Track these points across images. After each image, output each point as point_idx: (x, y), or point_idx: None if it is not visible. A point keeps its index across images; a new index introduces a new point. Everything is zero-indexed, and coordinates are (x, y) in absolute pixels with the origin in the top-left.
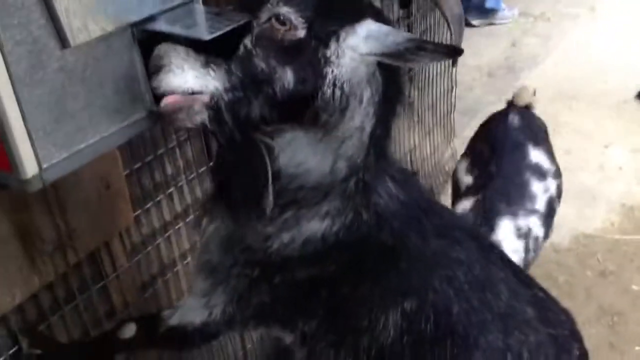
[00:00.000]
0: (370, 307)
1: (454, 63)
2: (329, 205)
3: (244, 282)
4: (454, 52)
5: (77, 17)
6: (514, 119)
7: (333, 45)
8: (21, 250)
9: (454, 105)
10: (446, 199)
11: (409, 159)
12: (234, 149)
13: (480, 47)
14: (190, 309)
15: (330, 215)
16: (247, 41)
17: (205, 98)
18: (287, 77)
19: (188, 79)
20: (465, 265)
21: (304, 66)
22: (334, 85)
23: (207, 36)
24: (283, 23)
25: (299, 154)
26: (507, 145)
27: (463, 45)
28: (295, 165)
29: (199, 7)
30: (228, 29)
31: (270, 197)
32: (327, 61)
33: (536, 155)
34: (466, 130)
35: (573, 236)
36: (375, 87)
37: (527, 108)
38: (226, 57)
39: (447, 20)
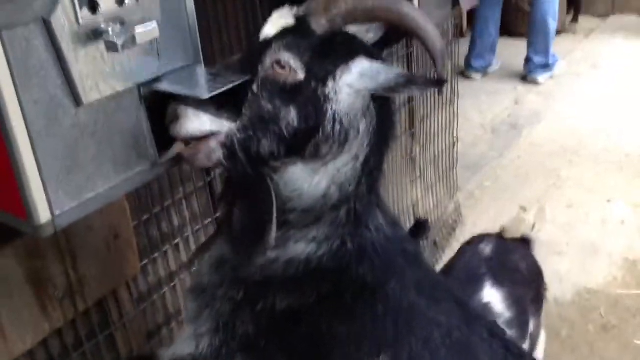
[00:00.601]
0: (347, 353)
1: (440, 92)
2: (318, 231)
3: (229, 306)
4: (439, 83)
5: (89, 78)
6: (486, 248)
7: (330, 83)
8: (33, 296)
9: (457, 160)
10: (451, 254)
11: (412, 212)
12: (244, 184)
13: (484, 104)
14: (181, 340)
15: (317, 240)
16: (254, 86)
17: (221, 137)
18: (291, 115)
19: (205, 121)
20: (444, 327)
21: (306, 105)
22: (334, 120)
23: (205, 95)
24: (284, 67)
25: (296, 181)
26: (461, 273)
27: (468, 104)
28: (291, 190)
29: (200, 69)
30: (225, 88)
31: (274, 231)
32: (327, 98)
33: (490, 294)
34: (470, 185)
35: (576, 290)
36: (370, 120)
37: (525, 241)
38: (236, 104)
39: (430, 54)
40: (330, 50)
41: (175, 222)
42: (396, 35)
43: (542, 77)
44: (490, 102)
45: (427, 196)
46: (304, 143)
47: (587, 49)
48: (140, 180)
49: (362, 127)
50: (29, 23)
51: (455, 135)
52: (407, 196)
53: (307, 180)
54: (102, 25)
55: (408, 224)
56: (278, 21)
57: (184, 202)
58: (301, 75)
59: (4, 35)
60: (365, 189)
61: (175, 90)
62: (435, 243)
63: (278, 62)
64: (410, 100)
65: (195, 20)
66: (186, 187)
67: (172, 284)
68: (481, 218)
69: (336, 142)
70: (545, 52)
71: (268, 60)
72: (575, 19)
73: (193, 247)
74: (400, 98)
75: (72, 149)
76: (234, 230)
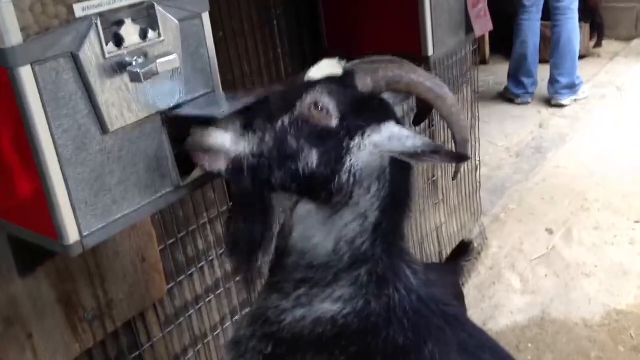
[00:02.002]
0: None
1: (456, 173)
2: (341, 290)
3: (258, 359)
4: (461, 159)
5: (115, 107)
6: None
7: (358, 138)
8: (64, 318)
9: (480, 184)
10: (476, 276)
11: (435, 236)
12: (246, 200)
13: (509, 128)
14: None
15: (342, 300)
16: (286, 119)
17: (231, 155)
18: (312, 158)
19: (227, 139)
20: None
21: (329, 151)
22: (349, 172)
23: (221, 114)
24: (321, 110)
25: (310, 229)
26: None
27: (493, 128)
28: (306, 240)
29: (219, 93)
30: (239, 107)
31: (270, 254)
32: (349, 151)
33: None
34: (495, 208)
35: (605, 312)
36: (383, 184)
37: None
38: (264, 125)
39: (455, 142)
40: (366, 108)
41: (200, 245)
42: (423, 115)
43: (566, 100)
44: (515, 126)
45: (450, 220)
46: (319, 188)
47: (612, 72)
48: (164, 202)
49: (373, 187)
50: (59, 58)
51: (477, 158)
52: (430, 220)
53: (319, 230)
54: (127, 58)
55: (432, 247)
56: (326, 68)
57: (208, 226)
58: (334, 122)
59: (36, 69)
60: (382, 252)
61: (194, 113)
62: (460, 268)
63: (317, 104)
64: (430, 124)
65: (215, 53)
66: (210, 212)
67: (198, 307)
68: (506, 241)
69: (347, 194)
70: (572, 72)
71: (308, 99)
72: (598, 44)
73: (218, 270)
74: (421, 127)
75: (99, 173)
76: (229, 242)
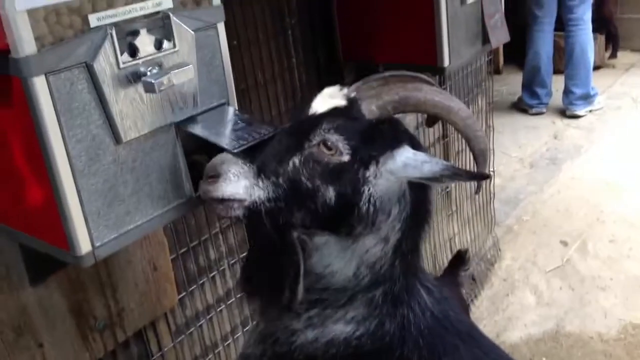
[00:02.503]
0: None
1: (478, 188)
2: (355, 311)
3: None
4: (482, 178)
5: (129, 117)
6: None
7: (372, 167)
8: (75, 327)
9: (494, 195)
10: (489, 288)
11: (448, 247)
12: (267, 243)
13: (523, 139)
14: None
15: (355, 320)
16: (297, 159)
17: (246, 203)
18: (329, 194)
19: (240, 188)
20: None
21: (345, 185)
22: (369, 202)
23: (235, 149)
24: (330, 148)
25: (328, 257)
26: None
27: (507, 138)
28: (323, 267)
29: (232, 112)
30: (254, 142)
31: (300, 295)
32: (366, 181)
33: None
34: (508, 219)
35: (621, 326)
36: (404, 206)
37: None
38: (275, 169)
39: (474, 155)
40: (376, 136)
41: (212, 255)
42: (434, 119)
43: (582, 111)
44: (529, 136)
45: (464, 231)
46: (339, 221)
47: (627, 83)
48: (177, 213)
49: (394, 211)
50: (73, 68)
51: (492, 169)
52: (443, 231)
53: (338, 257)
54: (141, 69)
55: (445, 259)
56: (329, 100)
57: (220, 236)
58: (346, 158)
59: (50, 79)
60: (400, 272)
61: (207, 137)
62: (473, 278)
63: (325, 143)
64: (444, 135)
65: (229, 64)
66: (222, 221)
67: (209, 317)
68: (520, 253)
69: (368, 223)
70: (586, 83)
71: (317, 139)
72: (613, 55)
73: (230, 280)
74: (434, 137)
75: (111, 184)
76: (259, 290)
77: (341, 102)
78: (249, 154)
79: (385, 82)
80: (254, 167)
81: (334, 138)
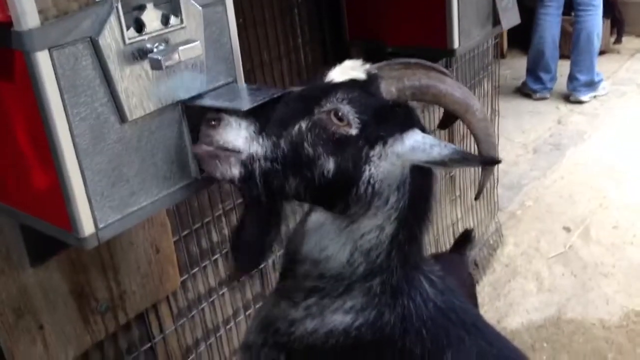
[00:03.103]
0: None
1: (479, 194)
2: (353, 301)
3: None
4: (492, 162)
5: (134, 95)
6: None
7: (378, 147)
8: (76, 310)
9: (497, 180)
10: (491, 273)
11: (451, 232)
12: (258, 210)
13: (526, 124)
14: None
15: (354, 310)
16: (304, 123)
17: (242, 156)
18: (328, 166)
19: (239, 138)
20: None
21: (347, 160)
22: (368, 182)
23: (245, 107)
24: (340, 119)
25: (324, 239)
26: None
27: (510, 123)
28: (319, 251)
29: (241, 85)
30: (265, 100)
31: (269, 251)
32: (368, 160)
33: None
34: (511, 205)
35: (623, 313)
36: (402, 194)
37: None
38: (279, 129)
39: (479, 149)
40: (389, 117)
41: (215, 238)
42: (449, 120)
43: (586, 97)
44: (533, 121)
45: (467, 216)
46: (335, 198)
47: (632, 69)
48: (182, 195)
49: (392, 199)
50: (78, 42)
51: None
52: (447, 216)
53: (334, 240)
54: (148, 45)
55: (448, 243)
56: (349, 71)
57: (223, 218)
58: (354, 131)
59: (53, 54)
60: (397, 263)
61: (214, 104)
62: (475, 263)
63: (337, 112)
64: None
65: (237, 41)
66: (225, 203)
67: (211, 300)
68: (522, 239)
69: (365, 205)
70: (591, 69)
71: (328, 106)
72: (618, 40)
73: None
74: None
75: (116, 164)
76: (238, 240)
77: (361, 75)
78: (254, 112)
79: (409, 66)
80: (257, 123)
81: (346, 109)
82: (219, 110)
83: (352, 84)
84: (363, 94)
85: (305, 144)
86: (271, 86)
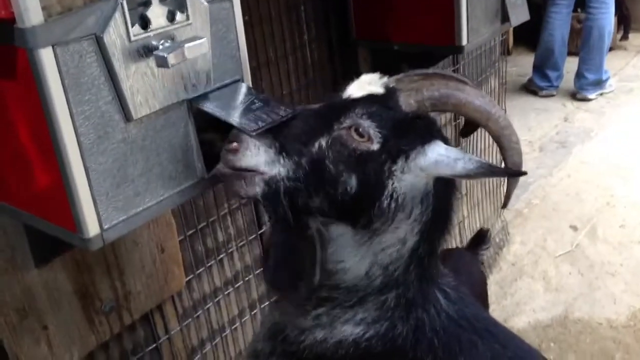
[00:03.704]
0: None
1: (506, 203)
2: (365, 313)
3: None
4: (519, 174)
5: (140, 93)
6: None
7: (400, 162)
8: (81, 310)
9: (507, 179)
10: (497, 272)
11: (457, 230)
12: (284, 227)
13: (533, 121)
14: None
15: (365, 322)
16: (323, 141)
17: (266, 176)
18: (351, 183)
19: (261, 162)
20: None
21: (370, 176)
22: (391, 197)
23: (254, 130)
24: (361, 135)
25: (342, 251)
26: None
27: (516, 121)
28: (336, 262)
29: (248, 89)
30: (273, 124)
31: (318, 276)
32: (391, 174)
33: None
34: (518, 203)
35: (630, 312)
36: (426, 207)
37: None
38: (299, 148)
39: (505, 165)
40: (410, 130)
41: (220, 237)
42: (471, 128)
43: (593, 94)
44: (539, 119)
45: (473, 214)
46: (358, 213)
47: (638, 65)
48: (187, 194)
49: (416, 211)
50: (82, 39)
51: None
52: None
53: (352, 253)
54: (153, 42)
55: (454, 241)
56: (366, 86)
57: (228, 217)
58: (375, 147)
59: (57, 51)
60: (415, 277)
61: (224, 117)
62: (482, 262)
63: (357, 128)
64: (456, 117)
65: (244, 39)
66: (231, 203)
67: (217, 300)
68: (529, 237)
69: (389, 219)
70: (600, 68)
71: (348, 122)
72: (625, 37)
73: (238, 263)
74: (446, 118)
75: (121, 163)
76: (268, 269)
77: (379, 90)
78: (273, 130)
79: (427, 77)
80: (276, 143)
81: (367, 124)
82: (224, 121)
83: (370, 98)
84: (382, 108)
85: (327, 162)
86: (279, 101)
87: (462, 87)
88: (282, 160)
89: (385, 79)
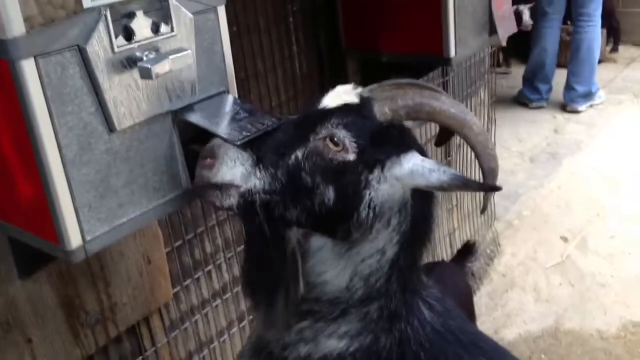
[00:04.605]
0: None
1: (484, 208)
2: (348, 326)
3: None
4: (492, 189)
5: (123, 105)
6: None
7: (377, 171)
8: (66, 322)
9: None
10: (488, 283)
11: (448, 241)
12: (260, 238)
13: (523, 133)
14: None
15: (348, 335)
16: (299, 152)
17: (242, 189)
18: (328, 194)
19: (237, 176)
20: None
21: (346, 186)
22: (369, 207)
23: (238, 141)
24: (337, 144)
25: (323, 264)
26: None
27: (506, 132)
28: (317, 274)
29: (233, 100)
30: (257, 134)
31: (302, 290)
32: (368, 184)
33: None
34: (508, 214)
35: (621, 324)
36: (404, 216)
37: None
38: (276, 160)
39: (482, 170)
40: (385, 139)
41: (208, 249)
42: (445, 137)
43: (582, 106)
44: (529, 130)
45: (463, 225)
46: (337, 224)
47: (628, 77)
48: (172, 206)
49: (394, 221)
50: (65, 51)
51: None
52: (443, 225)
53: (333, 265)
54: (137, 53)
55: (445, 253)
56: (342, 96)
57: (216, 229)
58: (351, 156)
59: (39, 62)
60: (397, 287)
61: (208, 127)
62: (472, 273)
63: (332, 138)
64: (447, 154)
65: (230, 50)
66: (219, 214)
67: (205, 312)
68: (520, 248)
69: (366, 229)
70: (589, 81)
71: (323, 132)
72: (615, 49)
73: (225, 274)
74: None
75: (104, 175)
76: (245, 280)
77: (354, 99)
78: (250, 142)
79: (401, 87)
80: (253, 155)
81: (342, 134)
82: (209, 133)
83: (345, 108)
84: (357, 118)
85: (303, 173)
86: (264, 112)
87: (437, 95)
88: (258, 173)
89: (360, 89)
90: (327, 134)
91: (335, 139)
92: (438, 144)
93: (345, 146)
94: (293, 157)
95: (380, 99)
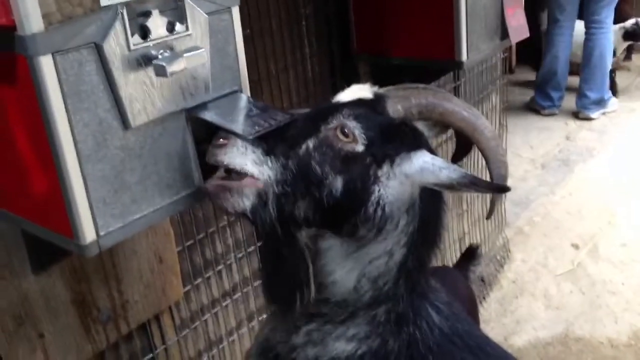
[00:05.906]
0: None
1: (490, 213)
2: (356, 329)
3: None
4: (500, 190)
5: (138, 102)
6: None
7: (386, 167)
8: (78, 319)
9: (505, 195)
10: (498, 290)
11: (458, 246)
12: (274, 242)
13: (535, 140)
14: None
15: (356, 338)
16: (310, 142)
17: (260, 184)
18: (336, 185)
19: (247, 161)
20: None
21: (354, 179)
22: (377, 204)
23: (250, 135)
24: (346, 135)
25: (332, 263)
26: None
27: (518, 139)
28: (326, 275)
29: (246, 100)
30: (270, 129)
31: (313, 293)
32: (377, 180)
33: None
34: (519, 221)
35: (632, 331)
36: (412, 217)
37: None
38: (287, 149)
39: (491, 177)
40: (396, 135)
41: (219, 249)
42: (464, 151)
43: (595, 114)
44: (541, 137)
45: (474, 230)
46: (343, 219)
47: None
48: (185, 204)
49: (402, 222)
50: (82, 48)
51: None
52: (453, 230)
53: (341, 265)
54: (152, 51)
55: (454, 258)
56: (356, 92)
57: (227, 229)
58: (360, 148)
59: (57, 59)
60: (405, 291)
61: (221, 123)
62: (482, 279)
63: (342, 128)
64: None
65: (243, 50)
66: (230, 215)
67: (214, 311)
68: (530, 254)
69: (374, 227)
70: (601, 88)
71: (334, 122)
72: (628, 57)
73: (236, 274)
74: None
75: (118, 171)
76: (270, 290)
77: (368, 95)
78: (262, 135)
79: (416, 88)
80: (264, 145)
81: (352, 124)
82: (224, 130)
83: (359, 102)
84: (369, 111)
85: (313, 163)
86: (277, 108)
87: (450, 97)
88: (269, 163)
89: (376, 88)
90: (337, 124)
91: (345, 130)
92: (456, 159)
93: (354, 137)
94: (304, 146)
95: (393, 97)
